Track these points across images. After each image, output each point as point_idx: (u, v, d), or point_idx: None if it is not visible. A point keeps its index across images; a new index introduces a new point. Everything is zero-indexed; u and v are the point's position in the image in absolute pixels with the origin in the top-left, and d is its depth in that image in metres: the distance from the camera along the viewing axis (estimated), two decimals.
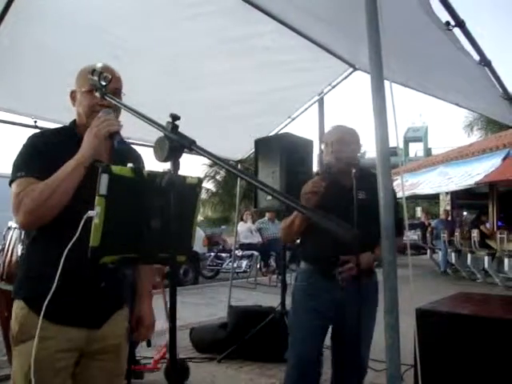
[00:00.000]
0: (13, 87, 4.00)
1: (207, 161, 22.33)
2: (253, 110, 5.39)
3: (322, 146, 2.91)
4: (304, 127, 6.46)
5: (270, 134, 5.89)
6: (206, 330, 5.47)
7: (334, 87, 5.50)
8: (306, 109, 5.93)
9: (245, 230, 11.84)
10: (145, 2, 3.48)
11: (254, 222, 12.34)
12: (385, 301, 1.63)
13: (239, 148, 6.06)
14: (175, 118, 1.23)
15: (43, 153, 1.74)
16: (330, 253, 2.76)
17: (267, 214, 12.19)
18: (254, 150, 5.43)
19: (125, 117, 1.80)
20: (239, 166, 7.58)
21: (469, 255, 12.18)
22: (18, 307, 1.75)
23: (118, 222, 1.28)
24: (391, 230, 1.65)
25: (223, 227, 21.82)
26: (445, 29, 2.67)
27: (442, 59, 3.39)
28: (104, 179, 1.25)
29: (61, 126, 1.97)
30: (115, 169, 1.29)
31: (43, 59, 3.71)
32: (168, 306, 1.88)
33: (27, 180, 1.66)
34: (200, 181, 1.48)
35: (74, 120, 1.95)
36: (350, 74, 5.18)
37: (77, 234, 1.30)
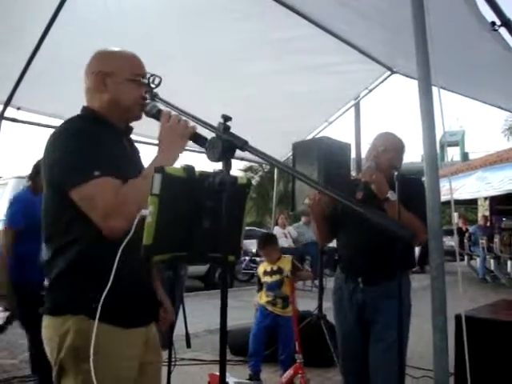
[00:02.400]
0: (57, 93, 4.11)
1: (241, 165, 22.43)
2: (290, 113, 5.40)
3: (366, 150, 2.98)
4: (341, 131, 6.44)
5: (307, 138, 5.89)
6: (242, 333, 5.47)
7: (370, 91, 5.47)
8: (343, 113, 5.92)
9: (280, 234, 11.81)
10: (186, 6, 3.53)
11: (284, 227, 12.28)
12: (432, 303, 1.61)
13: (276, 151, 6.07)
14: (227, 118, 1.25)
15: (103, 146, 1.61)
16: (348, 256, 2.90)
17: (302, 218, 12.13)
18: (291, 153, 5.43)
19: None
20: (276, 170, 7.64)
21: (509, 262, 11.90)
22: (74, 322, 1.56)
23: (170, 221, 1.30)
24: (438, 231, 1.63)
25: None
26: (491, 29, 2.63)
27: (486, 60, 3.34)
28: (157, 179, 1.27)
29: (77, 120, 1.73)
30: (168, 168, 1.31)
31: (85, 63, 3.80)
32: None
33: (108, 181, 1.51)
34: (249, 181, 1.50)
35: (88, 107, 1.78)
36: (388, 77, 5.14)
37: (131, 233, 1.31)
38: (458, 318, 2.89)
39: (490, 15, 2.57)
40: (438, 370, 1.56)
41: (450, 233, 15.51)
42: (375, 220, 0.97)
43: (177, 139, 1.60)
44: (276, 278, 4.39)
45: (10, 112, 4.38)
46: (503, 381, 3.09)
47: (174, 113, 1.61)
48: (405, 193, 2.54)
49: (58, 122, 4.60)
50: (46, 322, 1.61)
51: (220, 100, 4.32)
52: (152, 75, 1.67)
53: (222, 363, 1.30)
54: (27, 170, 3.91)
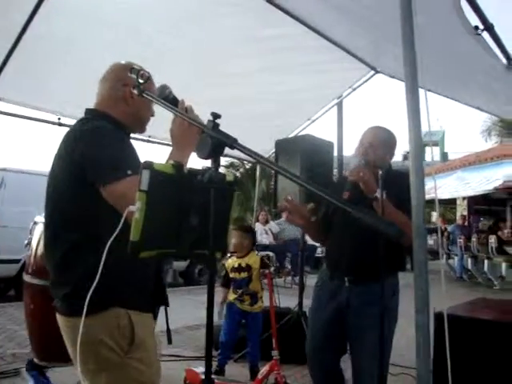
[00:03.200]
0: (39, 84, 4.07)
1: (223, 162, 22.31)
2: (273, 111, 5.41)
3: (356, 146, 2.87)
4: (323, 129, 6.47)
5: (290, 136, 5.91)
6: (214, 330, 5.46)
7: (354, 90, 5.49)
8: (326, 111, 5.94)
9: (261, 230, 11.83)
10: (168, 2, 3.51)
11: (266, 223, 12.29)
12: (415, 300, 1.63)
13: (259, 148, 6.05)
14: (216, 116, 1.26)
15: (130, 148, 1.77)
16: (335, 255, 2.83)
17: (283, 215, 12.14)
18: (273, 150, 5.44)
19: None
20: (258, 168, 7.65)
21: (486, 261, 12.09)
22: (113, 315, 1.64)
23: (157, 218, 1.30)
24: (422, 229, 1.66)
25: None
26: (474, 33, 2.66)
27: (469, 63, 3.38)
28: (145, 175, 1.27)
29: (99, 121, 1.79)
30: (157, 165, 1.31)
31: (69, 56, 3.76)
32: None
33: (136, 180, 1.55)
34: (236, 178, 1.50)
35: (105, 113, 1.86)
36: (371, 77, 5.17)
37: (117, 229, 1.32)
38: (438, 315, 2.91)
39: (474, 19, 2.61)
40: (420, 368, 1.58)
41: (429, 232, 15.71)
42: (362, 218, 0.99)
43: (192, 136, 1.63)
44: (244, 275, 4.40)
45: None
46: (481, 378, 3.14)
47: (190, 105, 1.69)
48: (394, 190, 2.47)
49: (40, 114, 4.57)
50: (78, 322, 1.51)
51: (204, 97, 4.30)
52: (140, 70, 1.67)
53: (208, 358, 1.31)
54: (6, 163, 3.87)
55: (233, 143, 1.22)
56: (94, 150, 1.64)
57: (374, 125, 2.87)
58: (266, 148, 6.04)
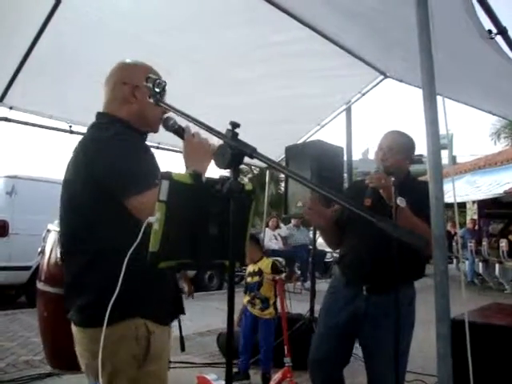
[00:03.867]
0: (50, 93, 4.09)
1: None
2: (282, 117, 5.41)
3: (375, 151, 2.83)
4: (333, 134, 6.47)
5: (299, 141, 5.91)
6: (235, 335, 5.46)
7: (363, 95, 5.49)
8: (335, 116, 5.94)
9: (270, 236, 11.81)
10: (177, 9, 3.52)
11: (275, 229, 12.27)
12: (436, 310, 1.61)
13: (269, 154, 6.06)
14: (235, 125, 1.25)
15: (151, 155, 1.73)
16: (353, 262, 2.72)
17: (292, 221, 12.14)
18: (283, 156, 5.44)
19: None
20: (267, 173, 7.65)
21: (497, 265, 11.99)
22: (132, 326, 1.62)
23: (176, 228, 1.29)
24: (442, 240, 1.63)
25: None
26: (487, 37, 2.65)
27: (482, 67, 3.37)
28: (164, 185, 1.26)
29: (116, 127, 1.74)
30: (175, 175, 1.30)
31: (79, 65, 3.79)
32: None
33: None
34: (254, 188, 1.49)
35: (115, 116, 1.80)
36: (381, 81, 5.16)
37: (138, 240, 1.31)
38: (455, 322, 2.86)
39: (487, 23, 2.59)
40: (442, 378, 1.56)
41: None
42: (386, 229, 0.97)
43: (204, 156, 1.63)
44: (256, 279, 4.39)
45: (1, 111, 4.36)
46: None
47: (196, 129, 1.63)
48: (414, 197, 2.39)
49: (51, 122, 4.59)
50: (96, 333, 1.51)
51: (215, 104, 4.32)
52: (156, 79, 1.67)
53: (229, 365, 1.30)
54: (17, 170, 3.89)
55: (252, 152, 1.22)
56: (117, 161, 1.60)
57: (393, 129, 2.81)
58: (275, 154, 6.04)
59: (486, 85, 3.87)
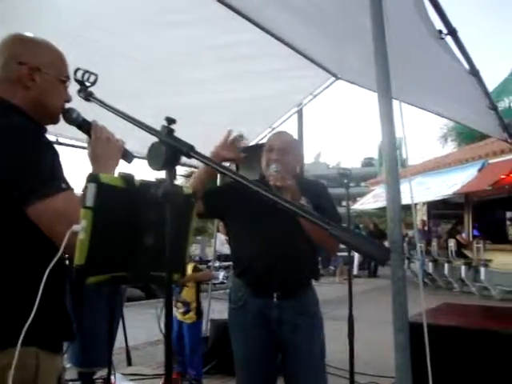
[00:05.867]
0: None
1: (182, 171, 22.02)
2: (233, 119, 5.29)
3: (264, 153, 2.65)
4: None
5: (250, 144, 5.82)
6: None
7: (315, 96, 5.45)
8: (287, 119, 5.88)
9: (222, 240, 11.64)
10: (123, 7, 3.35)
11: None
12: (394, 319, 1.52)
13: None
14: (171, 121, 1.10)
15: (53, 150, 1.42)
16: (258, 268, 2.50)
17: None
18: None
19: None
20: (218, 176, 7.49)
21: (446, 265, 12.29)
22: (20, 354, 1.32)
23: (106, 238, 1.14)
24: (399, 243, 1.55)
25: (199, 238, 21.62)
26: (438, 37, 2.62)
27: (430, 67, 3.35)
28: (91, 189, 1.11)
29: (11, 115, 1.43)
30: (104, 177, 1.15)
31: None
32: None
33: (74, 194, 1.33)
34: (195, 191, 1.36)
35: (9, 102, 1.47)
36: (332, 83, 5.13)
37: (60, 252, 1.14)
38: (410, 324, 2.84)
39: (438, 23, 2.56)
40: None
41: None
42: (342, 238, 0.86)
43: (115, 153, 1.49)
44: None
45: None
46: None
47: (101, 125, 1.47)
48: (314, 197, 2.36)
49: None
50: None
51: (159, 105, 4.15)
52: (86, 72, 1.49)
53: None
54: None
55: (190, 151, 1.07)
56: (16, 159, 1.33)
57: (280, 130, 2.77)
58: None
59: (437, 86, 3.88)
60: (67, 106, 1.58)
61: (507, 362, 3.15)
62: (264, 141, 5.99)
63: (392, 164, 1.63)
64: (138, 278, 1.29)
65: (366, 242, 0.83)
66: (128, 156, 1.57)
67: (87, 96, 1.42)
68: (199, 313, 4.34)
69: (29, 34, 1.58)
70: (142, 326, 6.40)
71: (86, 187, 1.12)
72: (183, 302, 4.27)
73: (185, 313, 4.30)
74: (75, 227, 1.11)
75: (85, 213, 1.12)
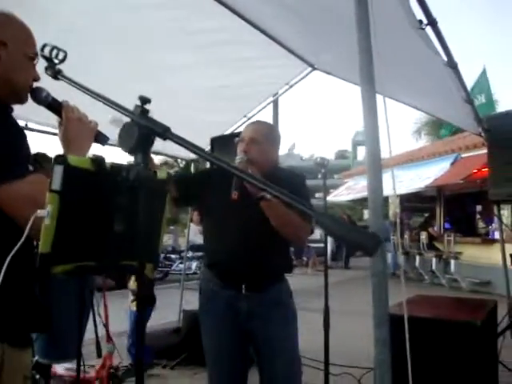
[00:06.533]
0: None
1: (156, 160, 21.83)
2: (209, 107, 5.22)
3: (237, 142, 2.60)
4: None
5: (226, 132, 5.77)
6: (158, 336, 5.26)
7: (291, 87, 5.40)
8: (263, 108, 5.84)
9: (195, 230, 11.53)
10: None
11: (200, 223, 12.01)
12: (374, 314, 1.48)
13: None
14: (145, 100, 1.03)
15: (24, 135, 1.38)
16: (226, 259, 2.49)
17: None
18: (209, 147, 5.28)
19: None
20: (192, 165, 7.41)
21: (417, 257, 12.47)
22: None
23: (73, 224, 1.06)
24: (381, 235, 1.51)
25: (172, 228, 21.51)
26: (418, 27, 2.59)
27: (411, 60, 3.33)
28: (58, 171, 1.03)
29: None
30: (72, 159, 1.07)
31: None
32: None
33: (43, 178, 1.23)
34: (170, 176, 1.29)
35: None
36: (309, 73, 5.09)
37: (22, 239, 1.06)
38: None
39: (418, 13, 2.53)
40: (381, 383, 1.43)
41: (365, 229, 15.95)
42: (328, 227, 0.80)
43: (88, 134, 1.41)
44: None
45: None
46: (423, 377, 3.12)
47: (72, 105, 1.38)
48: (285, 187, 2.30)
49: None
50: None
51: (132, 89, 4.02)
52: (54, 48, 1.39)
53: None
54: None
55: (165, 132, 1.00)
56: None
57: (257, 119, 2.72)
58: (201, 145, 5.82)
59: (414, 79, 3.87)
60: (35, 85, 1.49)
61: (478, 352, 3.22)
62: (240, 130, 5.95)
63: (375, 156, 1.59)
64: (107, 268, 1.22)
65: (353, 229, 0.78)
66: (102, 138, 1.50)
67: (55, 74, 1.33)
68: None
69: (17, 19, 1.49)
70: (113, 317, 6.29)
71: (52, 169, 1.04)
72: (132, 290, 4.45)
73: (132, 301, 4.50)
74: (40, 212, 1.03)
75: (51, 197, 1.04)
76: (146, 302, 4.23)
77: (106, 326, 3.55)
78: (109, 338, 3.68)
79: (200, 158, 0.96)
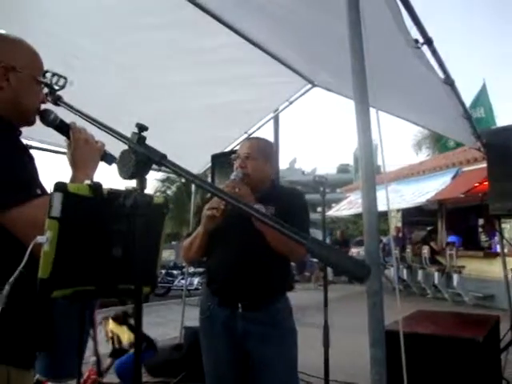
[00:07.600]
0: None
1: (158, 176, 21.88)
2: (209, 124, 5.26)
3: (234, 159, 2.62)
4: None
5: (226, 149, 5.79)
6: (159, 352, 5.22)
7: (291, 103, 5.44)
8: (263, 124, 5.87)
9: None
10: (100, 9, 3.28)
11: None
12: (370, 334, 1.48)
13: (195, 162, 5.90)
14: (142, 128, 1.06)
15: (27, 154, 1.38)
16: (224, 277, 2.50)
17: None
18: (210, 164, 5.30)
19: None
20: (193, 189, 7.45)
21: (420, 271, 12.40)
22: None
23: (72, 250, 1.08)
24: (376, 255, 1.52)
25: (173, 243, 21.49)
26: (414, 46, 2.62)
27: (408, 77, 3.36)
28: (57, 198, 1.05)
29: None
30: (71, 187, 1.09)
31: None
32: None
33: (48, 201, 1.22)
34: (166, 201, 1.30)
35: None
36: (309, 90, 5.13)
37: (22, 264, 1.07)
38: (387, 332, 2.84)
39: (414, 32, 2.57)
40: None
41: (362, 243, 15.91)
42: (320, 254, 0.82)
43: (95, 155, 1.44)
44: None
45: None
46: None
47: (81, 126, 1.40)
48: (284, 206, 2.35)
49: None
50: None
51: (137, 110, 4.08)
52: (55, 74, 1.43)
53: None
54: None
55: (161, 160, 1.03)
56: None
57: (254, 136, 2.74)
58: (202, 162, 5.88)
59: (412, 95, 3.90)
60: (43, 107, 1.52)
61: (480, 369, 3.20)
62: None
63: (368, 174, 1.60)
64: (105, 292, 1.23)
65: (344, 257, 0.79)
66: (108, 158, 1.53)
67: (55, 100, 1.36)
68: None
69: (2, 32, 1.52)
70: None
71: (51, 196, 1.06)
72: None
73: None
74: (39, 238, 1.05)
75: (50, 223, 1.06)
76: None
77: (94, 339, 3.55)
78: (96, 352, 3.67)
79: (195, 185, 0.97)
